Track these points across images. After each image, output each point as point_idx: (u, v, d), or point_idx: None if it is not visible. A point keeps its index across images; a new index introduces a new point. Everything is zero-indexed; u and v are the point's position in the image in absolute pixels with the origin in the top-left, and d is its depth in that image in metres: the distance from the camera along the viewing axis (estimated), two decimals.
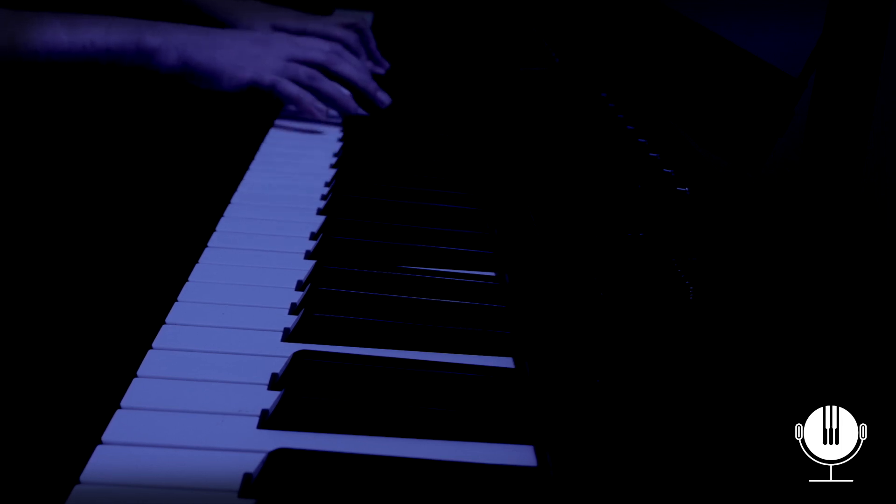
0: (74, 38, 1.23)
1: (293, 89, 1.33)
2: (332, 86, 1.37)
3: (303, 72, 1.34)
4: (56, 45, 1.22)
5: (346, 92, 1.39)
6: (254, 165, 1.23)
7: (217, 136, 1.48)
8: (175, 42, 1.28)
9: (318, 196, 1.13)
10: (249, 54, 1.32)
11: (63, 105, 1.39)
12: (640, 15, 1.15)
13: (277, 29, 1.63)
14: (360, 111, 1.39)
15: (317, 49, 1.39)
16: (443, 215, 1.06)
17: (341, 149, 1.30)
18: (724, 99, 0.87)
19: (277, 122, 1.40)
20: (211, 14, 1.65)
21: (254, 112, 1.45)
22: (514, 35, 1.70)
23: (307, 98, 1.34)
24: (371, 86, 1.43)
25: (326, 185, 1.17)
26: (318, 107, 1.35)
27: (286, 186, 1.15)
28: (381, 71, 1.67)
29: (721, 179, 0.82)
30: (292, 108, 1.38)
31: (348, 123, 1.41)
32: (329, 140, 1.35)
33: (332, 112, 1.40)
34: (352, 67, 1.41)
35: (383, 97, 1.43)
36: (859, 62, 0.67)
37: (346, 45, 1.49)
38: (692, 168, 0.86)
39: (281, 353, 0.77)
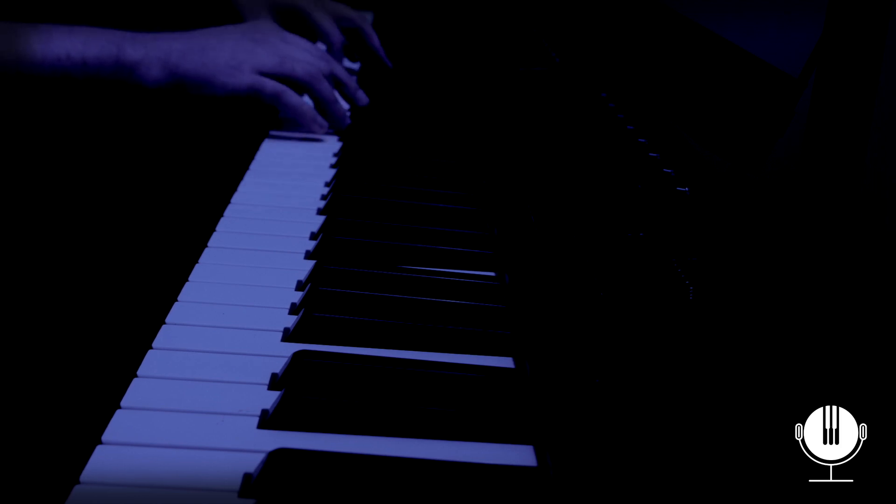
0: (48, 51, 1.16)
1: (296, 102, 1.28)
2: (297, 101, 1.31)
3: (301, 70, 1.30)
4: (28, 57, 1.15)
5: (310, 109, 1.33)
6: (254, 165, 1.22)
7: (217, 135, 1.48)
8: (158, 53, 1.21)
9: (318, 196, 1.13)
10: (243, 51, 1.26)
11: (64, 106, 1.39)
12: (640, 15, 1.15)
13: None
14: (323, 127, 1.34)
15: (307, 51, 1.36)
16: (443, 215, 1.06)
17: (341, 149, 1.30)
18: (724, 99, 0.87)
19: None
20: None
21: (254, 112, 1.45)
22: (514, 35, 1.70)
23: (309, 113, 1.30)
24: (354, 94, 1.42)
25: (326, 185, 1.17)
26: (319, 122, 1.32)
27: (286, 186, 1.15)
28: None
29: (721, 179, 0.82)
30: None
31: (349, 123, 1.41)
32: (329, 140, 1.35)
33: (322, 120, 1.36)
34: (330, 93, 1.35)
35: (359, 99, 1.43)
36: (859, 62, 0.67)
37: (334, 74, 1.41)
38: (692, 168, 0.86)
39: (281, 353, 0.77)
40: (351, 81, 1.42)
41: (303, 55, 1.32)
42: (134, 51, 1.21)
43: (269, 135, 1.35)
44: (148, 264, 1.18)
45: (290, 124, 1.36)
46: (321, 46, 1.64)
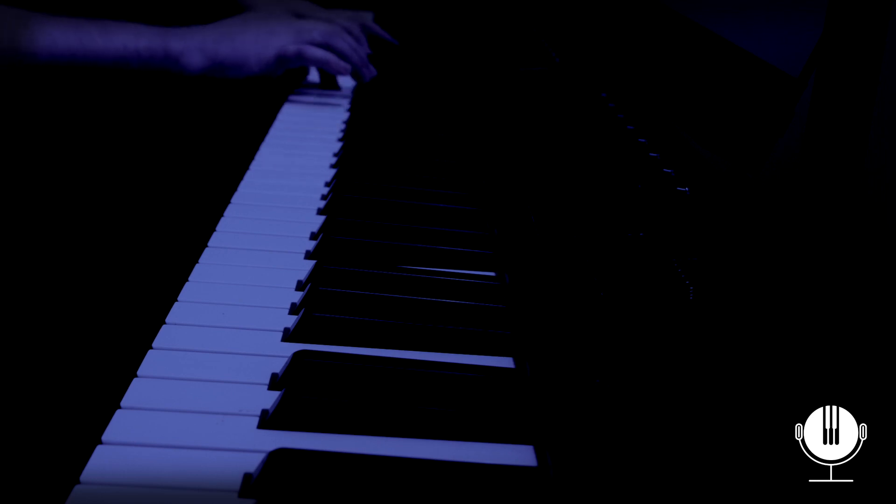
0: (108, 42, 1.28)
1: (319, 53, 1.42)
2: (321, 52, 1.44)
3: (317, 33, 1.43)
4: (93, 49, 1.26)
5: (333, 56, 1.47)
6: (254, 165, 1.23)
7: (217, 136, 1.49)
8: (195, 43, 1.33)
9: (318, 196, 1.13)
10: (266, 32, 1.39)
11: (64, 106, 1.39)
12: (640, 15, 1.15)
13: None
14: (347, 70, 1.48)
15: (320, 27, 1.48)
16: (443, 215, 1.06)
17: (341, 148, 1.30)
18: (724, 99, 0.87)
19: (276, 123, 1.41)
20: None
21: (254, 112, 1.45)
22: (514, 35, 1.70)
23: (333, 59, 1.44)
24: (361, 66, 1.52)
25: (326, 185, 1.17)
26: (343, 65, 1.46)
27: (286, 186, 1.15)
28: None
29: (721, 179, 0.82)
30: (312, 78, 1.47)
31: (349, 122, 1.41)
32: (329, 139, 1.35)
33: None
34: (347, 45, 1.49)
35: (367, 71, 1.54)
36: (859, 62, 0.67)
37: (349, 33, 1.55)
38: (692, 168, 0.86)
39: (281, 353, 0.77)
40: (363, 43, 1.53)
41: (317, 24, 1.46)
42: (176, 43, 1.33)
43: (270, 131, 1.36)
44: (148, 264, 1.18)
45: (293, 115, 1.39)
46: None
